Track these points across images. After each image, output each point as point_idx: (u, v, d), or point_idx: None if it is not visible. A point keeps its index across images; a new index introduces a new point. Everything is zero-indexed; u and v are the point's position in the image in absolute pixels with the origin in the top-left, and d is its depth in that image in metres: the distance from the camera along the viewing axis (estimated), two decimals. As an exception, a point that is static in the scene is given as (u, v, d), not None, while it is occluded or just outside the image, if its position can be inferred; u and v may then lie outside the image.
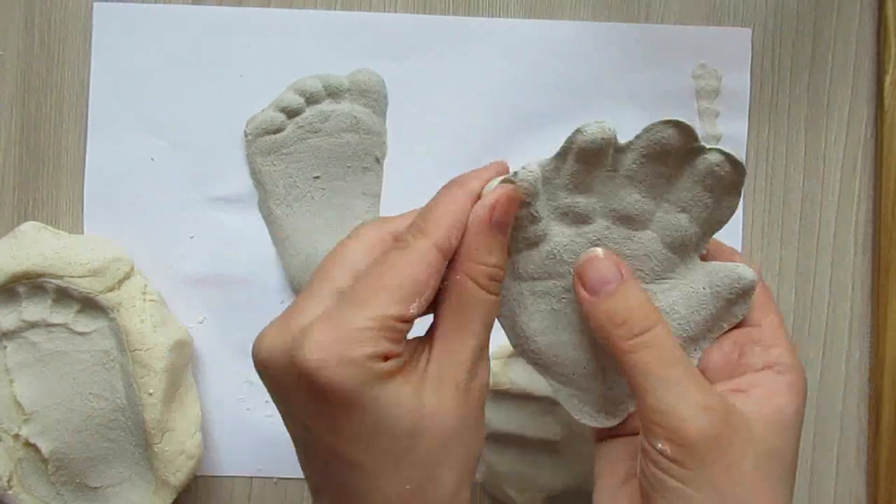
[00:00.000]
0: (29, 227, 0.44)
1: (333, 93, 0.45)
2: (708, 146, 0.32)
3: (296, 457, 0.32)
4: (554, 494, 0.45)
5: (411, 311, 0.29)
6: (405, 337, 0.30)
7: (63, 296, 0.43)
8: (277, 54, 0.46)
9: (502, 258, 0.31)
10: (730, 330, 0.34)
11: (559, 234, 0.33)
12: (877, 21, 0.47)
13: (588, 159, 0.32)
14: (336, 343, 0.28)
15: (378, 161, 0.46)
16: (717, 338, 0.34)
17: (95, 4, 0.46)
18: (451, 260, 0.31)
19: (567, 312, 0.34)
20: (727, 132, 0.47)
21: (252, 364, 0.31)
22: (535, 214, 0.32)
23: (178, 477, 0.43)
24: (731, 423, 0.30)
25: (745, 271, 0.33)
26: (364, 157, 0.46)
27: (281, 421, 0.32)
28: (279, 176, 0.45)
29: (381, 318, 0.28)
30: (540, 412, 0.45)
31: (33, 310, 0.43)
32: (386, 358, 0.29)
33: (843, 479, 0.47)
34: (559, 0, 0.47)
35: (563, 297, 0.34)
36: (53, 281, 0.43)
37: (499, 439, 0.45)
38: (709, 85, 0.46)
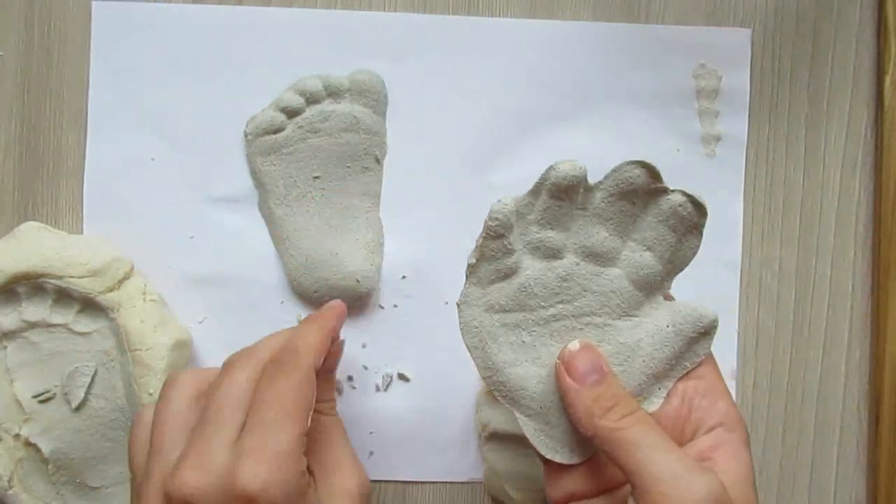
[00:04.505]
0: (29, 227, 0.44)
1: (333, 93, 0.45)
2: (672, 188, 0.34)
3: None
4: (554, 494, 0.45)
5: (308, 424, 0.34)
6: None
7: (63, 296, 0.43)
8: (277, 54, 0.46)
9: (332, 392, 0.39)
10: (679, 378, 0.35)
11: (531, 268, 0.34)
12: (877, 21, 0.47)
13: (560, 195, 0.33)
14: (271, 467, 0.31)
15: (378, 161, 0.46)
16: (675, 382, 0.35)
17: (94, 3, 0.46)
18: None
19: (536, 346, 0.35)
20: (727, 132, 0.47)
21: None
22: (509, 247, 0.34)
23: (178, 477, 0.43)
24: (722, 484, 0.31)
25: (707, 311, 0.35)
26: (364, 157, 0.46)
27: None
28: (279, 176, 0.45)
29: (297, 437, 0.33)
30: (540, 412, 0.45)
31: (33, 310, 0.43)
32: (306, 469, 0.33)
33: (843, 479, 0.47)
34: (559, 0, 0.47)
35: (534, 331, 0.35)
36: (53, 281, 0.43)
37: (499, 439, 0.45)
38: (709, 85, 0.46)
